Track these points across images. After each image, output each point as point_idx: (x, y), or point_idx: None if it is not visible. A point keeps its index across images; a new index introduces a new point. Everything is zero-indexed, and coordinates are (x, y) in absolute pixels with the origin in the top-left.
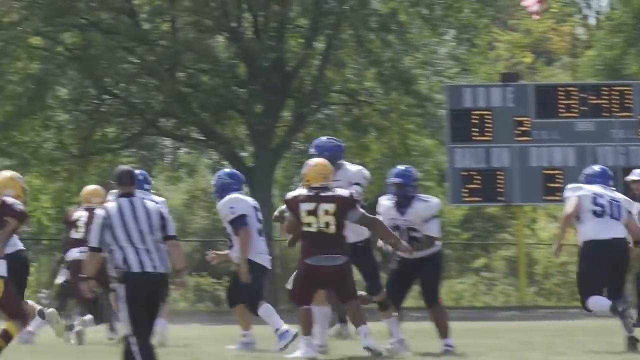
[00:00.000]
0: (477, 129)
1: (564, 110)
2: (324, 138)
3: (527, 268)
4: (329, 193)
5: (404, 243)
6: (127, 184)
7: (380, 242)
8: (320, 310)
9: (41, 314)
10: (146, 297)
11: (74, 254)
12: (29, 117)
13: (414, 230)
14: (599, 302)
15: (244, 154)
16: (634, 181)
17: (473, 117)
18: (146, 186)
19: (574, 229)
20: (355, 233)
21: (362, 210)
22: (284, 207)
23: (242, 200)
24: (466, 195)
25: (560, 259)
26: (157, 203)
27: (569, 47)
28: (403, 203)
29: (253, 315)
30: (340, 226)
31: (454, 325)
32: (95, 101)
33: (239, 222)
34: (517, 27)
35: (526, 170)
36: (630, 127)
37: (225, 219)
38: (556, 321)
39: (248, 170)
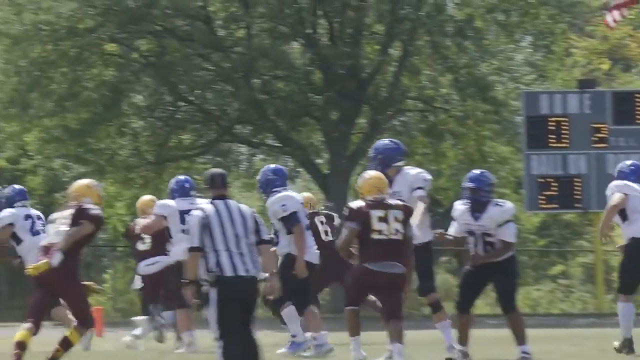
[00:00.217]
0: (553, 136)
1: None
2: (384, 140)
3: (605, 275)
4: (395, 201)
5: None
6: (220, 187)
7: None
8: None
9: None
10: (238, 301)
11: (142, 268)
12: (105, 124)
13: (489, 235)
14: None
15: (319, 160)
16: None
17: (550, 123)
18: (192, 192)
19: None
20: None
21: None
22: None
23: (292, 198)
24: (543, 202)
25: None
26: (202, 209)
27: None
28: (477, 208)
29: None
30: (406, 234)
31: (531, 332)
32: (171, 108)
33: (292, 219)
34: (594, 33)
35: (603, 177)
36: None
37: (275, 216)
38: (634, 329)
39: (324, 177)
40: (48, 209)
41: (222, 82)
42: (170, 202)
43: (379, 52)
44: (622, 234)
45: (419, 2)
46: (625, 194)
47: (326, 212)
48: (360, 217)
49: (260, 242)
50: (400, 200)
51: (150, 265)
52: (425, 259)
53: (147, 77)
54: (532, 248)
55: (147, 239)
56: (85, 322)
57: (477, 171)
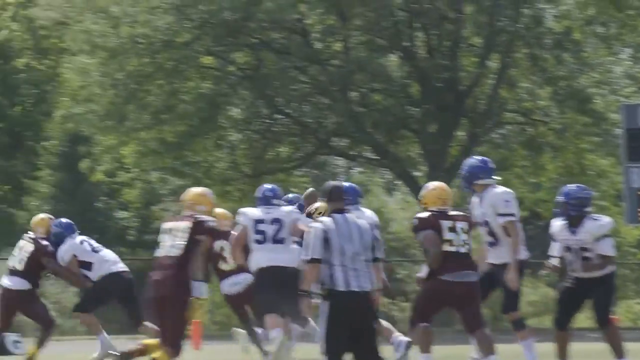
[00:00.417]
0: None
1: None
2: (473, 158)
3: None
4: (458, 212)
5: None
6: (337, 200)
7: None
8: None
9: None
10: (349, 317)
11: (227, 288)
12: (202, 137)
13: (586, 250)
14: None
15: (417, 173)
16: None
17: None
18: (275, 201)
19: None
20: (497, 256)
21: None
22: None
23: None
24: None
25: None
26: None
27: None
28: (574, 222)
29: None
30: (471, 245)
31: (631, 346)
32: (268, 121)
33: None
34: None
35: None
36: None
37: None
38: None
39: (420, 190)
40: (145, 221)
41: (319, 95)
42: (248, 211)
43: (477, 65)
44: None
45: (516, 15)
46: None
47: None
48: (432, 226)
49: (374, 259)
50: (486, 219)
51: (235, 286)
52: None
53: (244, 89)
54: (633, 261)
55: (229, 257)
56: (177, 349)
57: (572, 186)
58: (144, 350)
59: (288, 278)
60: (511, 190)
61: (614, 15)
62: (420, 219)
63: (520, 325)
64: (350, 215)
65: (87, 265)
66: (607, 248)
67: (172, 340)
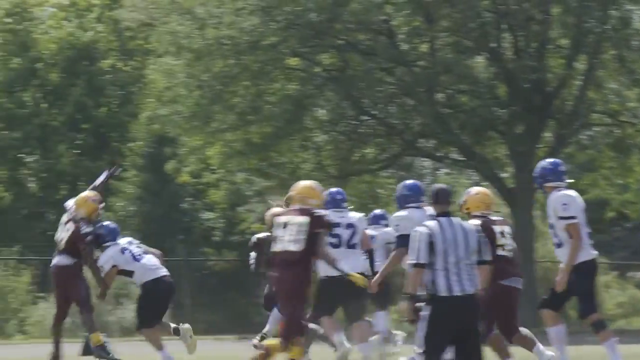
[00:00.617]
0: None
1: None
2: (546, 160)
3: None
4: (498, 217)
5: None
6: (444, 203)
7: None
8: (558, 330)
9: (176, 331)
10: (451, 321)
11: None
12: (287, 138)
13: None
14: None
15: (504, 174)
16: None
17: None
18: (344, 205)
19: None
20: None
21: None
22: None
23: (410, 220)
24: None
25: None
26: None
27: None
28: None
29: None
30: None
31: None
32: (354, 122)
33: (398, 241)
34: None
35: None
36: None
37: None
38: None
39: (508, 191)
40: (230, 222)
41: (405, 97)
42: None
43: (564, 66)
44: None
45: (604, 16)
46: None
47: None
48: (486, 232)
49: (480, 262)
50: (550, 222)
51: None
52: (585, 280)
53: (330, 91)
54: None
55: None
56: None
57: None
58: (268, 354)
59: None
60: (571, 193)
61: None
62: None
63: (600, 327)
64: (456, 219)
65: (129, 273)
66: None
67: (295, 332)
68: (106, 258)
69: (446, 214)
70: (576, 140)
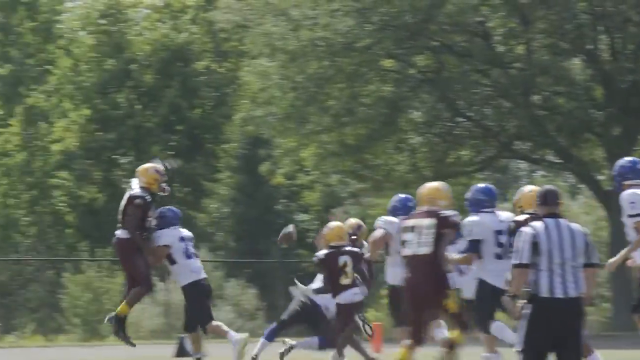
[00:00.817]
0: None
1: None
2: (624, 158)
3: None
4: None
5: None
6: (552, 204)
7: None
8: None
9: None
10: (551, 324)
11: (349, 296)
12: (382, 140)
13: None
14: None
15: (601, 177)
16: None
17: None
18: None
19: None
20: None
21: None
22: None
23: (482, 225)
24: None
25: None
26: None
27: None
28: None
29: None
30: None
31: None
32: (449, 124)
33: (468, 246)
34: None
35: None
36: None
37: (466, 237)
38: None
39: (605, 193)
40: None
41: (500, 98)
42: (394, 220)
43: None
44: None
45: None
46: None
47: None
48: None
49: (587, 265)
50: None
51: (356, 295)
52: None
53: (425, 93)
54: None
55: (350, 272)
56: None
57: None
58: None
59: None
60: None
61: None
62: (518, 221)
63: None
64: (564, 220)
65: (172, 262)
66: None
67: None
68: (164, 235)
69: (554, 215)
70: None
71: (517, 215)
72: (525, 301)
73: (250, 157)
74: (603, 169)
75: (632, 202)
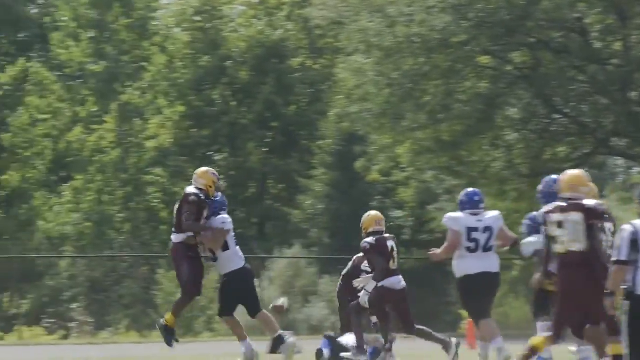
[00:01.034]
0: None
1: None
2: None
3: None
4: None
5: None
6: None
7: None
8: None
9: (278, 339)
10: None
11: (395, 283)
12: (478, 137)
13: None
14: None
15: None
16: None
17: None
18: (481, 206)
19: None
20: None
21: None
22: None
23: None
24: None
25: None
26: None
27: None
28: None
29: None
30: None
31: None
32: (545, 120)
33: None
34: None
35: None
36: None
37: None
38: None
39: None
40: (420, 221)
41: (597, 95)
42: (460, 217)
43: None
44: None
45: None
46: None
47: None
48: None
49: None
50: None
51: (401, 282)
52: None
53: (521, 89)
54: None
55: (396, 257)
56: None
57: None
58: (534, 352)
59: (495, 283)
60: None
61: None
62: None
63: None
64: None
65: (225, 247)
66: None
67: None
68: (229, 220)
69: None
70: None
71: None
72: (623, 298)
73: (345, 154)
74: None
75: None
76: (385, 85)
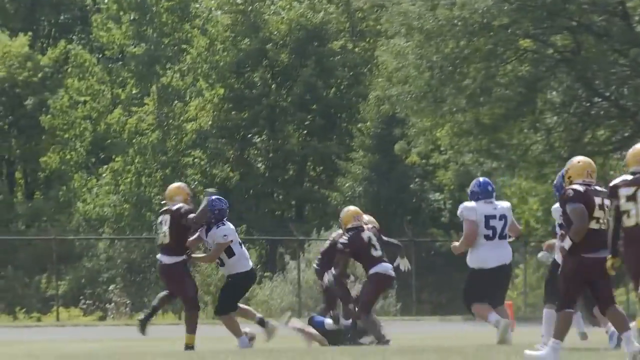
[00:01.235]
0: None
1: None
2: None
3: None
4: (601, 188)
5: None
6: None
7: None
8: None
9: (261, 322)
10: None
11: (387, 269)
12: (518, 120)
13: None
14: None
15: None
16: None
17: None
18: (494, 195)
19: None
20: None
21: None
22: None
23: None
24: None
25: None
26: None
27: None
28: None
29: None
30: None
31: None
32: (586, 104)
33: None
34: None
35: None
36: None
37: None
38: None
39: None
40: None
41: (638, 78)
42: (477, 206)
43: None
44: None
45: None
46: None
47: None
48: (584, 201)
49: None
50: None
51: (390, 270)
52: None
53: (562, 73)
54: None
55: (378, 245)
56: None
57: None
58: None
59: (509, 275)
60: None
61: None
62: (575, 190)
63: None
64: None
65: (230, 252)
66: None
67: None
68: (230, 231)
69: None
70: None
71: (566, 185)
72: None
73: (384, 137)
74: None
75: None
76: (426, 68)
